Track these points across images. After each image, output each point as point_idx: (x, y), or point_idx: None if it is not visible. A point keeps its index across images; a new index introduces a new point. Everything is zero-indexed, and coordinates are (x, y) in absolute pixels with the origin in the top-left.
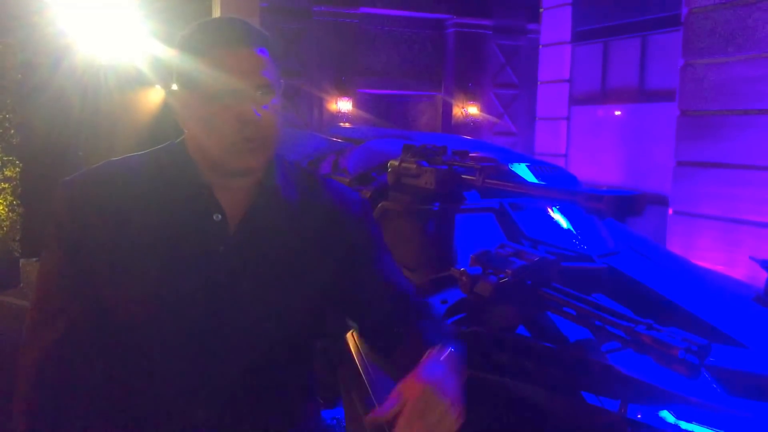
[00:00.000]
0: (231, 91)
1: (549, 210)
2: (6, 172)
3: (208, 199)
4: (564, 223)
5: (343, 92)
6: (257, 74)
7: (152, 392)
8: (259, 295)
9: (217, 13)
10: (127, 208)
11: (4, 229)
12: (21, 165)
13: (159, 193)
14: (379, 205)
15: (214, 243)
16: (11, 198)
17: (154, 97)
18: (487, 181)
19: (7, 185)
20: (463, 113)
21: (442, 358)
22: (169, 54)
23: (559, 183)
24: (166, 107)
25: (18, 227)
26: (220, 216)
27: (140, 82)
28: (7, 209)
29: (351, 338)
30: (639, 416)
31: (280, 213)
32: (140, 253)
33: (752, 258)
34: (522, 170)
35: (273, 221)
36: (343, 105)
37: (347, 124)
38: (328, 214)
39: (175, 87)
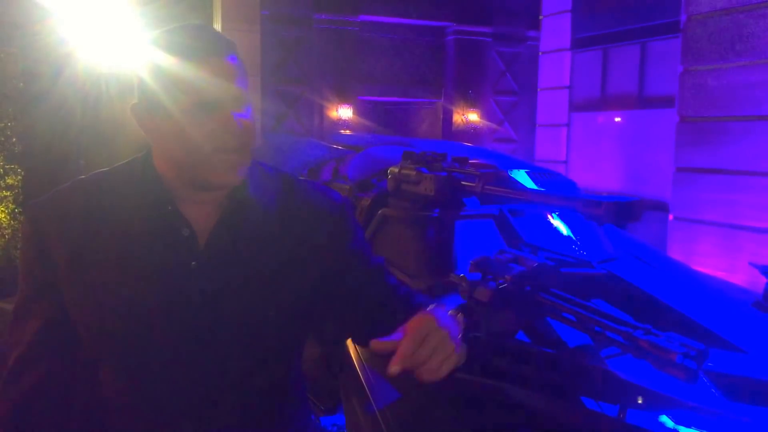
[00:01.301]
0: (207, 104)
1: (548, 216)
2: (8, 180)
3: (175, 215)
4: (563, 229)
5: (344, 99)
6: (232, 84)
7: (136, 408)
8: (235, 308)
9: (218, 21)
10: (93, 227)
11: (6, 237)
12: (23, 173)
13: (125, 210)
14: (379, 211)
15: (185, 258)
16: (13, 206)
17: None
18: (486, 187)
19: (8, 193)
20: (464, 120)
21: (438, 308)
22: (133, 65)
23: (558, 189)
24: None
25: (20, 235)
26: (188, 231)
27: None
28: (9, 217)
29: (351, 345)
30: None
31: (253, 224)
32: (108, 272)
33: (752, 264)
34: (521, 177)
35: (245, 233)
36: (344, 112)
37: (348, 131)
38: (306, 220)
39: (136, 100)
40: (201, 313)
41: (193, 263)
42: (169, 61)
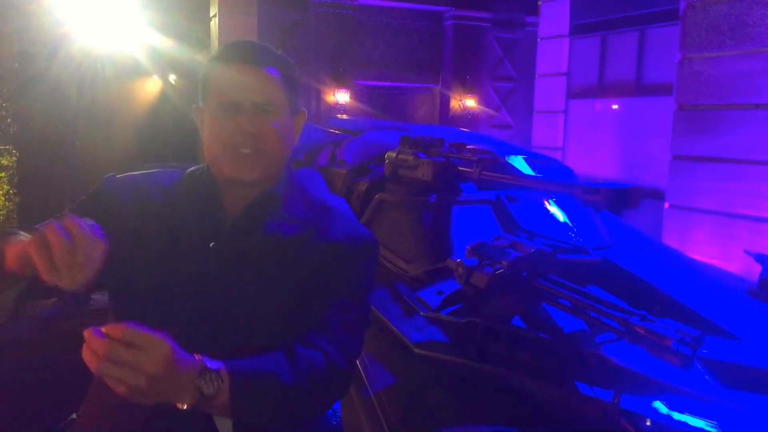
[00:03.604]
0: (228, 103)
1: (545, 202)
2: (2, 161)
3: (214, 202)
4: (560, 215)
5: (341, 84)
6: (257, 91)
7: None
8: (245, 290)
9: (215, 5)
10: (148, 205)
11: (0, 218)
12: (18, 154)
13: (178, 196)
14: (376, 196)
15: (212, 237)
16: (8, 187)
17: (150, 87)
18: (483, 173)
19: (3, 174)
20: (461, 106)
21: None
22: (198, 71)
23: (555, 176)
24: (162, 97)
25: (15, 216)
26: (221, 214)
27: (137, 72)
28: (3, 198)
29: None
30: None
31: (275, 219)
32: (146, 241)
33: (747, 252)
34: (518, 163)
35: (267, 224)
36: (341, 97)
37: (345, 116)
38: (329, 238)
39: (199, 103)
40: (215, 289)
41: (212, 243)
42: (214, 67)
